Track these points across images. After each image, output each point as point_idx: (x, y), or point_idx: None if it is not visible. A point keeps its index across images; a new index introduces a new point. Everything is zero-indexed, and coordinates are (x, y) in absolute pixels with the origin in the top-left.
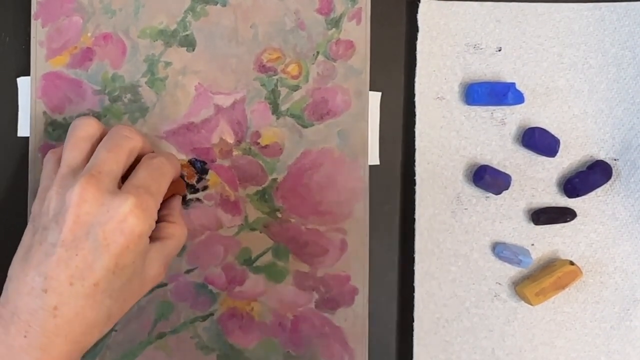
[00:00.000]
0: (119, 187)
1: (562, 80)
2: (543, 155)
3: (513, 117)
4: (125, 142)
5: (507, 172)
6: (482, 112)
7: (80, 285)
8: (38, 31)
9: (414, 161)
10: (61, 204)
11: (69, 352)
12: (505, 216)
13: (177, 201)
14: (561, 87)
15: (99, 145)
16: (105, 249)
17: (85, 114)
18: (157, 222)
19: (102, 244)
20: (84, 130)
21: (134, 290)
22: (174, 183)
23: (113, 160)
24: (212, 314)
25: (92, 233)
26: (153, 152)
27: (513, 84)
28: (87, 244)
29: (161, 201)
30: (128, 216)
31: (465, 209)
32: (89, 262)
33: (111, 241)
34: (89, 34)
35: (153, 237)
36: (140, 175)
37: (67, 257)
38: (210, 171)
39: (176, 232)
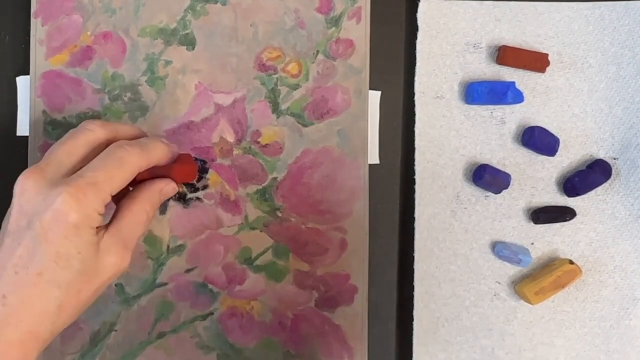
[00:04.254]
0: None
1: (561, 79)
2: (543, 154)
3: (513, 116)
4: (82, 134)
5: (506, 171)
6: (481, 111)
7: (24, 274)
8: (38, 30)
9: (414, 160)
10: (13, 195)
11: (21, 342)
12: (504, 215)
13: (155, 183)
14: (561, 86)
15: (59, 139)
16: (43, 238)
17: (84, 113)
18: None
19: (39, 233)
20: (81, 133)
21: (89, 281)
22: (171, 169)
23: (64, 151)
24: (212, 313)
25: (32, 222)
26: (132, 140)
27: (513, 83)
28: (28, 232)
29: (114, 191)
30: (61, 206)
31: (465, 208)
32: (30, 252)
33: (48, 230)
34: (89, 33)
35: (110, 222)
36: (91, 165)
37: (12, 246)
38: (210, 170)
39: (132, 206)
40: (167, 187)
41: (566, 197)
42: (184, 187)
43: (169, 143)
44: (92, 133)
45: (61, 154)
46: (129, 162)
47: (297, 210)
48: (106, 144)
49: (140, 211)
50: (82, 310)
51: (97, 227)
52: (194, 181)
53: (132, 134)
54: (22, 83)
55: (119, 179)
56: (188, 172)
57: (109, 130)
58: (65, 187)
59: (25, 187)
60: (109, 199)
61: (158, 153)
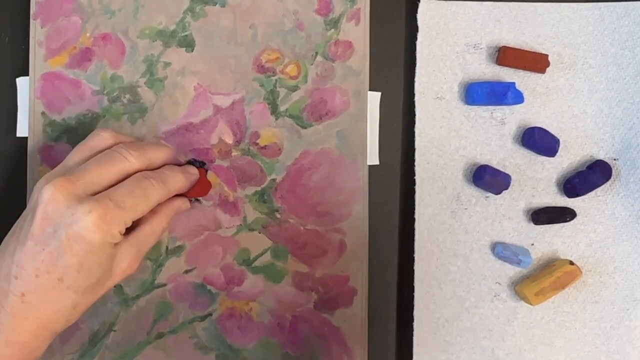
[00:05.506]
0: None
1: (561, 80)
2: (543, 155)
3: (513, 117)
4: (119, 162)
5: (506, 172)
6: (481, 112)
7: (45, 278)
8: (37, 31)
9: (414, 161)
10: (38, 198)
11: (36, 334)
12: (505, 216)
13: (173, 201)
14: (561, 87)
15: (95, 157)
16: (68, 249)
17: (84, 115)
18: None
19: (65, 245)
20: (94, 140)
21: (102, 285)
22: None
23: (97, 173)
24: (210, 314)
25: (58, 232)
26: (159, 168)
27: (513, 83)
28: (53, 241)
29: (136, 218)
30: (89, 225)
31: (465, 208)
32: (53, 259)
33: (74, 243)
34: (88, 34)
35: (130, 231)
36: (120, 189)
37: (35, 250)
38: (209, 172)
39: (152, 220)
40: (183, 206)
41: (566, 197)
42: None
43: (188, 172)
44: (129, 164)
45: (95, 175)
46: (153, 195)
47: (296, 212)
48: (137, 171)
49: (158, 225)
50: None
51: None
52: None
53: (162, 161)
54: (22, 84)
55: (142, 209)
56: (202, 190)
57: (143, 162)
58: (95, 207)
59: (55, 197)
60: (130, 223)
61: (177, 186)
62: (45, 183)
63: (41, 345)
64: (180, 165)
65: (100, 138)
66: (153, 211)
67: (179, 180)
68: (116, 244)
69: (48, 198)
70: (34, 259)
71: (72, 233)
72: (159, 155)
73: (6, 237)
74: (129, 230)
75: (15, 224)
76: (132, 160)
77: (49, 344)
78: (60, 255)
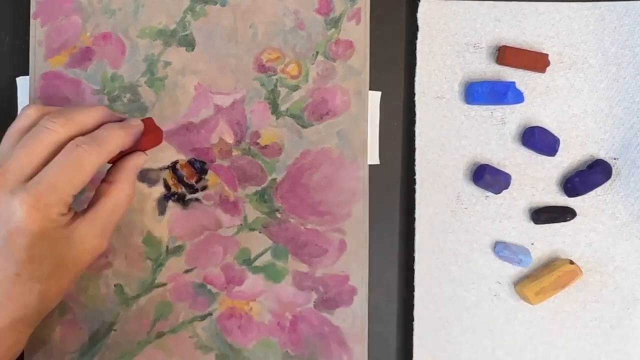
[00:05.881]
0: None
1: (562, 79)
2: (543, 154)
3: (513, 117)
4: (46, 136)
5: (507, 171)
6: (482, 112)
7: (3, 275)
8: (37, 31)
9: (414, 161)
10: None
11: (10, 328)
12: (505, 215)
13: (128, 162)
14: (561, 86)
15: (22, 139)
16: (13, 245)
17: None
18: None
19: (9, 241)
20: (21, 120)
21: (68, 269)
22: (138, 142)
23: (25, 156)
24: (211, 314)
25: (0, 231)
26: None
27: (513, 83)
28: None
29: (75, 192)
30: (24, 217)
31: (466, 208)
32: (3, 256)
33: (16, 237)
34: (88, 34)
35: (88, 208)
36: (49, 168)
37: None
38: (209, 171)
39: (111, 191)
40: (139, 160)
41: (566, 197)
42: (183, 187)
43: (128, 125)
44: (57, 134)
45: (24, 159)
46: (88, 162)
47: (296, 211)
48: (69, 140)
49: (118, 194)
50: (66, 292)
51: (70, 218)
52: (194, 182)
53: (95, 122)
54: (22, 84)
55: (79, 181)
56: (155, 139)
57: (71, 128)
58: (25, 197)
59: None
60: (70, 199)
61: (117, 143)
62: None
63: (20, 339)
64: (121, 121)
65: (25, 116)
66: (109, 181)
67: (118, 136)
68: (68, 225)
69: None
70: None
71: (12, 229)
72: (89, 117)
73: None
74: (89, 206)
75: None
76: (58, 130)
77: (47, 344)
78: (9, 252)
